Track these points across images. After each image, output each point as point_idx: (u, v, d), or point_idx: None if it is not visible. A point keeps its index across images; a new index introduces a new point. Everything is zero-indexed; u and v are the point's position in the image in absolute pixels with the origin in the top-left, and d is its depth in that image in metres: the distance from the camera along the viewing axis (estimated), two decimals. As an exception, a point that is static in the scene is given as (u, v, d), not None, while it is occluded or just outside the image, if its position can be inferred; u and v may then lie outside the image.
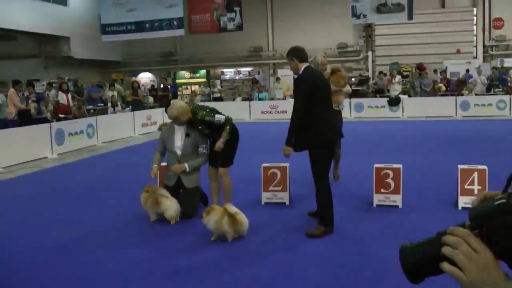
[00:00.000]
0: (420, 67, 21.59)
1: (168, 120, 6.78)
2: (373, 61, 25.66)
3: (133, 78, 25.64)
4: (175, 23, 20.57)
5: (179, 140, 6.38)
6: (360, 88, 22.49)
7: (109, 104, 18.76)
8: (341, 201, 6.70)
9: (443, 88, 20.33)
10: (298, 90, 5.58)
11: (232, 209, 5.31)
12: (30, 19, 21.36)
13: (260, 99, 22.51)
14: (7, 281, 4.63)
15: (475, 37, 24.41)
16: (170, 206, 6.05)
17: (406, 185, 6.63)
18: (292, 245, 5.23)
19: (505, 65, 22.66)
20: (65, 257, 5.11)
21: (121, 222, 6.33)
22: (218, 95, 24.09)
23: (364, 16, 19.52)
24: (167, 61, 29.39)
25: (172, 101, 6.49)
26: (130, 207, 6.84)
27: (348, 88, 7.95)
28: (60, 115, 15.98)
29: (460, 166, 6.32)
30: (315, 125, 5.43)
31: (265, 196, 6.88)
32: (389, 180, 6.45)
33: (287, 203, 6.80)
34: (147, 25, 20.95)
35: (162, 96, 22.06)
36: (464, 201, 6.09)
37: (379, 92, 21.10)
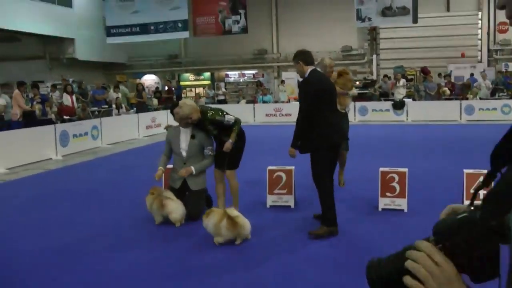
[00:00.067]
0: (425, 71, 21.55)
1: (173, 122, 6.78)
2: (377, 65, 25.61)
3: (138, 80, 25.69)
4: (179, 25, 20.61)
5: (184, 141, 6.39)
6: (367, 91, 22.43)
7: (114, 106, 18.79)
8: (346, 204, 6.69)
9: (448, 92, 20.30)
10: (304, 93, 5.61)
11: (233, 212, 5.28)
12: (35, 20, 21.41)
13: (264, 102, 22.52)
14: (10, 281, 4.63)
15: (479, 41, 24.34)
16: (175, 208, 6.04)
17: (411, 189, 6.61)
18: (296, 247, 5.22)
19: (510, 69, 22.57)
20: (68, 258, 5.10)
21: (125, 224, 6.33)
22: (222, 97, 24.07)
23: (369, 19, 19.48)
24: (172, 63, 29.43)
25: (182, 100, 6.54)
26: (134, 209, 6.84)
27: (354, 91, 7.93)
28: (65, 117, 16.00)
29: (465, 171, 6.29)
30: (320, 128, 5.44)
31: (270, 199, 6.86)
32: (394, 184, 6.43)
33: (292, 206, 6.79)
34: (152, 27, 20.99)
35: (167, 98, 22.07)
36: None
37: (384, 95, 21.07)
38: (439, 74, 21.91)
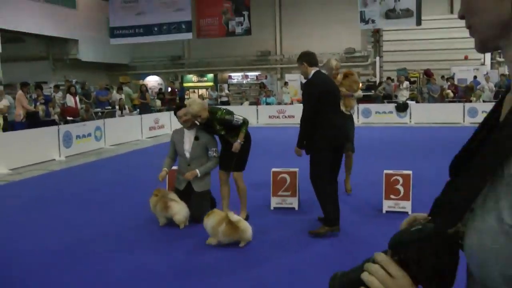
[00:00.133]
0: (428, 73, 21.52)
1: (177, 125, 6.77)
2: (380, 67, 25.59)
3: (141, 81, 25.72)
4: (183, 26, 20.63)
5: (188, 143, 6.37)
6: (371, 93, 22.40)
7: (117, 107, 18.81)
8: (350, 206, 6.68)
9: (451, 94, 20.27)
10: (307, 95, 5.61)
11: (234, 217, 5.26)
12: (39, 21, 21.48)
13: (267, 103, 22.50)
14: (10, 281, 4.62)
15: (483, 44, 24.26)
16: (179, 210, 6.03)
17: (415, 192, 6.58)
18: (299, 249, 5.21)
19: (513, 71, 22.51)
20: (71, 259, 5.10)
21: (127, 225, 6.32)
22: (225, 99, 24.09)
23: (373, 21, 19.46)
24: (175, 64, 29.46)
25: (191, 99, 6.53)
26: (137, 210, 6.83)
27: (359, 93, 7.88)
28: (68, 118, 16.02)
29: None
30: (324, 129, 5.46)
31: (274, 201, 6.85)
32: (398, 186, 6.41)
33: (296, 208, 6.77)
34: (155, 29, 21.02)
35: (170, 100, 22.11)
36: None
37: (387, 97, 21.05)
38: (442, 77, 21.88)
